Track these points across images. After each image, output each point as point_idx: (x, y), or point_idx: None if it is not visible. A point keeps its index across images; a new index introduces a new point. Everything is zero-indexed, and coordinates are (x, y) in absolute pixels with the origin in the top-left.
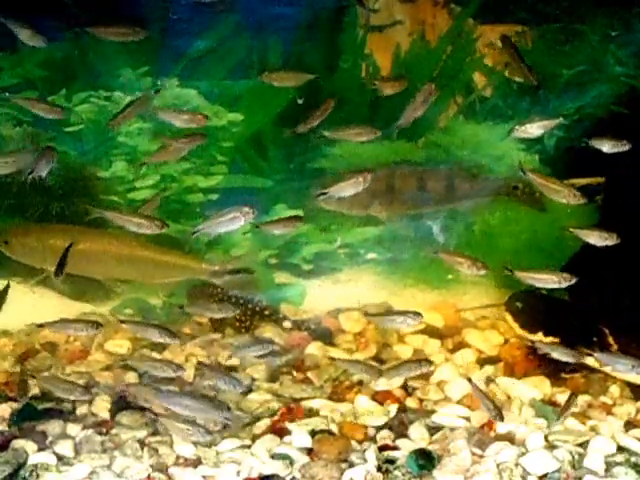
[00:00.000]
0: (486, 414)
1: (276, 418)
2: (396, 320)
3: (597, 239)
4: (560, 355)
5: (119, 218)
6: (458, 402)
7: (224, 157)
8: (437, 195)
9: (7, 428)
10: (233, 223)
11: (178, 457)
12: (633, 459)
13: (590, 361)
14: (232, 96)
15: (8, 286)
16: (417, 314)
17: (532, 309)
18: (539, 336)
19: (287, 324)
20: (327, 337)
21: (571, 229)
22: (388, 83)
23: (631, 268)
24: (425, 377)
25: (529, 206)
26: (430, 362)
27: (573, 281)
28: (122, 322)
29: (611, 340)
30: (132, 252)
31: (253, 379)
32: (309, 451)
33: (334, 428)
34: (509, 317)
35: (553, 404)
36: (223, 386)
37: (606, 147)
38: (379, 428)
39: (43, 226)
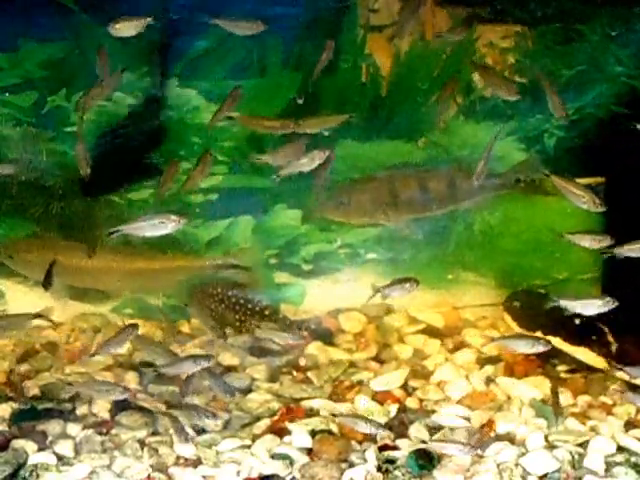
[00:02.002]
0: (486, 414)
1: (276, 418)
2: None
3: (591, 242)
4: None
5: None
6: (458, 402)
7: (224, 157)
8: (440, 197)
9: (7, 428)
10: (158, 229)
11: (178, 457)
12: (633, 459)
13: (592, 361)
14: None
15: None
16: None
17: (530, 308)
18: (537, 335)
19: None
20: (327, 337)
21: (564, 234)
22: None
23: (632, 266)
24: (425, 377)
25: (534, 194)
26: (548, 342)
27: None
28: (157, 371)
29: (610, 339)
30: (134, 264)
31: (253, 379)
32: (309, 451)
33: (334, 428)
34: (507, 316)
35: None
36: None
37: None
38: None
39: (45, 241)
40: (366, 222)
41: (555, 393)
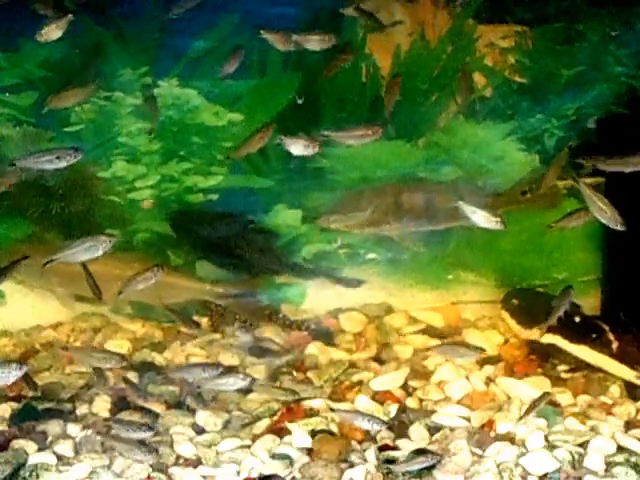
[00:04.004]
0: (486, 414)
1: (276, 418)
2: None
3: (577, 221)
4: None
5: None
6: (458, 402)
7: (224, 157)
8: (445, 212)
9: (7, 428)
10: (90, 252)
11: (178, 457)
12: (633, 459)
13: (591, 360)
14: (232, 96)
15: None
16: None
17: (529, 306)
18: (536, 333)
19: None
20: (327, 337)
21: (552, 224)
22: None
23: (632, 267)
24: (425, 377)
25: (541, 207)
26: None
27: None
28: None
29: (611, 337)
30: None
31: (253, 379)
32: (309, 451)
33: (334, 428)
34: (506, 314)
35: (553, 404)
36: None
37: None
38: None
39: (48, 247)
40: (370, 232)
41: (544, 395)
